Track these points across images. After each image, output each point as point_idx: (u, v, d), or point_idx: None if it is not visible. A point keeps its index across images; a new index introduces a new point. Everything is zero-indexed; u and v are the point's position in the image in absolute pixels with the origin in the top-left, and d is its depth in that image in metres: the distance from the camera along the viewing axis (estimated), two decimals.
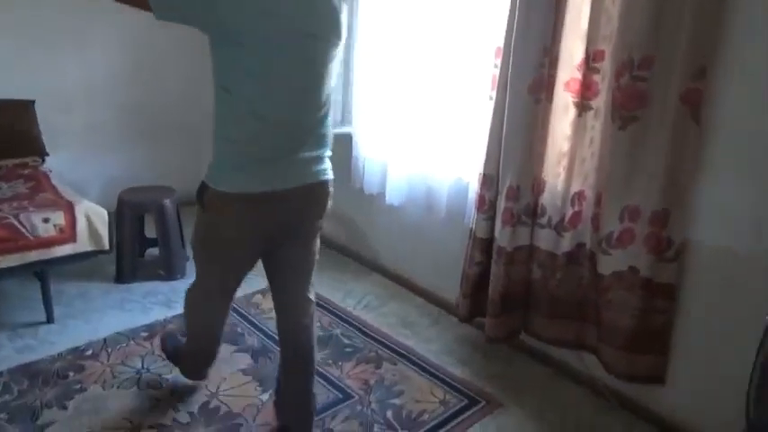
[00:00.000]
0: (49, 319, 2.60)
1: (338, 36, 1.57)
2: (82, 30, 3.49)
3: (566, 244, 2.13)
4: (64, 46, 3.44)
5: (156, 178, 3.72)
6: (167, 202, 3.00)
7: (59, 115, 3.46)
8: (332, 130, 1.71)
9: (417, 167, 2.70)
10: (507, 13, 2.08)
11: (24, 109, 3.22)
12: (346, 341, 2.55)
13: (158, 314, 2.71)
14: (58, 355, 2.36)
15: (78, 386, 2.18)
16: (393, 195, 2.80)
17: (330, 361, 2.40)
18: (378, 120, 2.85)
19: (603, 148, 1.95)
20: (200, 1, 1.38)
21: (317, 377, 1.97)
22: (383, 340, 2.56)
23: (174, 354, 2.23)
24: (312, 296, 1.88)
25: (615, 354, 2.03)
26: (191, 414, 2.06)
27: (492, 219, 2.28)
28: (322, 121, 1.62)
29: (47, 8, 3.30)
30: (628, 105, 1.83)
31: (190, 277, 3.04)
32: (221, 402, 2.12)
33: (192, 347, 2.10)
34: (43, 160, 3.23)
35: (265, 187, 1.54)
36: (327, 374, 2.30)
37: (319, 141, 1.63)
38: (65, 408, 2.06)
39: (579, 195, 2.08)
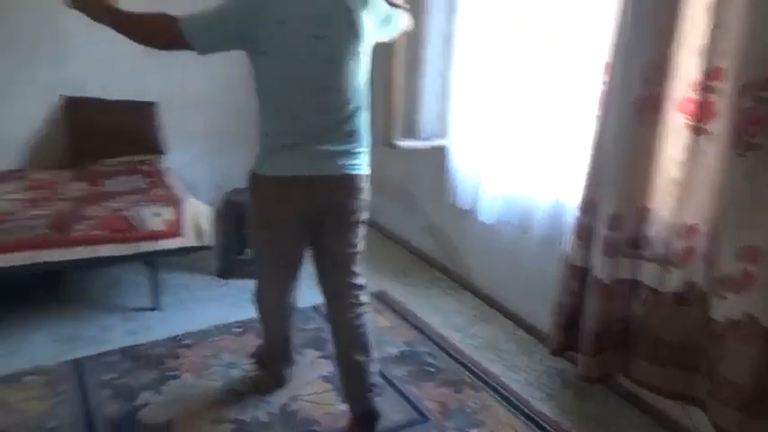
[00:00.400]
0: (155, 307, 2.80)
1: (355, 35, 1.69)
2: None
3: (673, 281, 1.93)
4: (187, 52, 3.70)
5: None
6: None
7: (179, 117, 3.72)
8: (366, 127, 1.84)
9: (513, 186, 2.59)
10: (614, 24, 1.93)
11: (148, 110, 3.50)
12: (428, 360, 2.50)
13: (253, 312, 2.81)
14: (159, 341, 2.52)
15: (173, 373, 2.32)
16: (486, 213, 2.71)
17: (410, 378, 2.35)
18: (474, 133, 2.78)
19: (719, 177, 1.75)
20: (230, 29, 1.65)
21: (394, 391, 2.01)
22: (467, 363, 2.47)
23: (258, 356, 2.33)
24: (358, 281, 1.95)
25: (729, 414, 1.78)
26: (270, 414, 2.11)
27: (590, 247, 2.13)
28: (349, 117, 1.77)
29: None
30: (749, 130, 1.63)
31: None
32: (301, 407, 2.16)
33: (265, 341, 2.24)
34: (161, 158, 3.49)
35: (293, 171, 1.76)
36: (405, 392, 2.26)
37: (347, 137, 1.78)
38: (159, 392, 2.20)
39: (690, 228, 1.88)
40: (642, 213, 2.00)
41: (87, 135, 3.34)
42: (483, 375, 2.39)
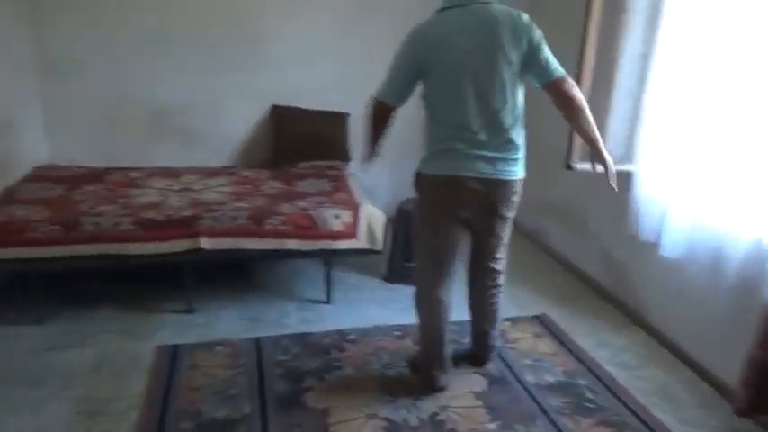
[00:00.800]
0: (328, 300, 3.04)
1: (504, 55, 1.97)
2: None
3: None
4: (377, 68, 3.95)
5: None
6: None
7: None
8: (522, 139, 2.13)
9: (704, 219, 2.33)
10: None
11: (340, 120, 3.82)
12: (589, 395, 2.35)
13: (413, 318, 2.89)
14: (328, 332, 2.73)
15: (337, 364, 2.49)
16: (670, 247, 2.47)
17: (567, 411, 2.24)
18: (665, 160, 2.55)
19: None
20: (411, 76, 2.10)
21: (547, 420, 2.09)
22: (633, 406, 2.28)
23: (413, 362, 2.44)
24: (497, 266, 2.35)
25: None
26: (420, 419, 2.17)
27: None
28: (505, 129, 2.05)
29: (365, 37, 3.84)
30: None
31: None
32: (449, 418, 2.18)
33: (421, 345, 2.37)
34: (347, 164, 3.77)
35: (450, 171, 2.08)
36: (559, 424, 2.16)
37: (505, 145, 2.07)
38: (322, 379, 2.39)
39: None
40: None
41: (287, 139, 3.77)
42: (650, 423, 2.18)
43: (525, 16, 2.01)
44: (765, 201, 2.08)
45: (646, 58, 2.67)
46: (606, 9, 2.57)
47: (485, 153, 2.05)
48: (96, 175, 3.36)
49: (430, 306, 2.28)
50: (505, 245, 2.32)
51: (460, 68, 2.00)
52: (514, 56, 1.99)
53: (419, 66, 2.05)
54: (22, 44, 3.36)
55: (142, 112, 3.69)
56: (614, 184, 2.09)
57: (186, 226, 2.69)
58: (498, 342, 2.54)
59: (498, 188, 2.10)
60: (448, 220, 2.16)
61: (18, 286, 2.86)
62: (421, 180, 2.19)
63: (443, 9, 2.05)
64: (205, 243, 2.68)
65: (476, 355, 2.52)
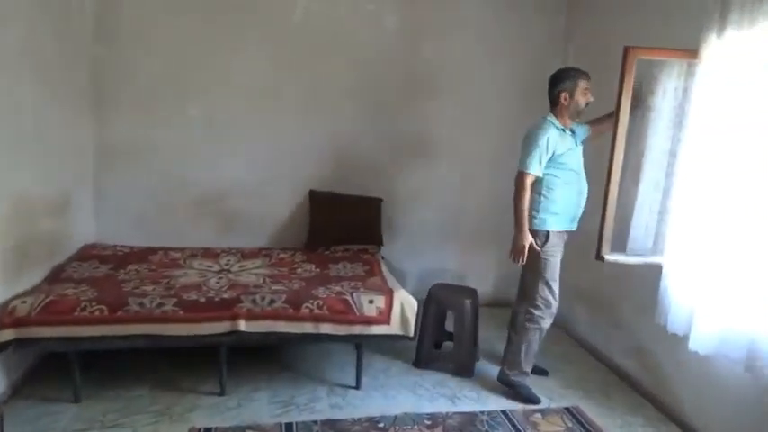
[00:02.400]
0: (358, 385, 3.05)
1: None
2: (426, 143, 4.17)
3: None
4: (414, 156, 4.16)
5: (460, 277, 4.10)
6: (468, 302, 3.25)
7: (399, 212, 4.15)
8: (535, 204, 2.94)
9: (735, 316, 2.34)
10: None
11: (375, 205, 3.98)
12: None
13: (442, 406, 2.91)
14: (358, 419, 2.73)
15: None
16: (699, 342, 2.46)
17: None
18: (693, 254, 2.59)
19: None
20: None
21: None
22: None
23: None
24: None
25: None
26: None
27: None
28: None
29: (400, 127, 4.07)
30: None
31: (476, 378, 3.22)
32: None
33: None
34: (379, 248, 3.88)
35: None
36: None
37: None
38: None
39: None
40: None
41: (322, 223, 3.91)
42: None
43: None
44: None
45: (674, 154, 2.79)
46: (634, 106, 2.73)
47: None
48: (140, 255, 3.51)
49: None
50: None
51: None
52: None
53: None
54: (84, 131, 3.63)
55: (188, 195, 3.90)
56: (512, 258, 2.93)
57: (226, 308, 2.78)
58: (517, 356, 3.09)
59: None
60: None
61: (56, 364, 2.93)
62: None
63: None
64: (243, 325, 2.76)
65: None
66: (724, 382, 2.53)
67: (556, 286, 3.00)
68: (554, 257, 2.95)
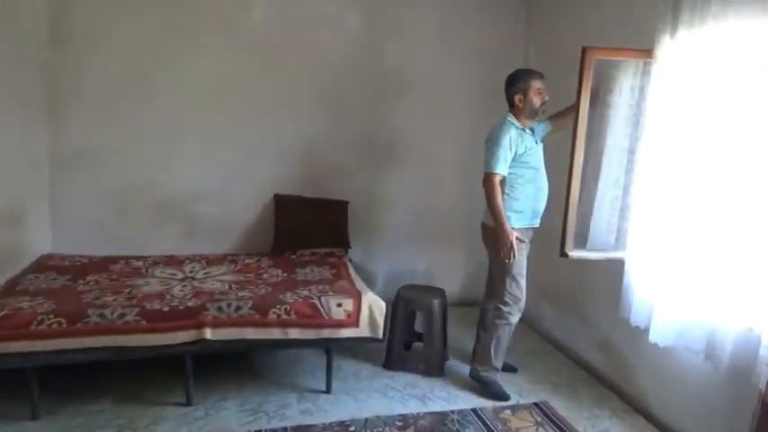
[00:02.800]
0: (328, 390, 3.03)
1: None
2: (392, 144, 4.17)
3: None
4: (381, 158, 4.15)
5: (428, 278, 4.11)
6: (436, 303, 3.27)
7: (365, 215, 4.13)
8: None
9: (695, 308, 2.40)
10: None
11: (341, 208, 3.96)
12: None
13: (414, 407, 2.91)
14: (329, 424, 2.71)
15: None
16: (660, 334, 2.52)
17: None
18: (653, 248, 2.66)
19: None
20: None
21: None
22: None
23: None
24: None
25: None
26: None
27: None
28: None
29: (365, 128, 4.07)
30: None
31: (447, 378, 3.23)
32: None
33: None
34: (346, 251, 3.86)
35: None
36: None
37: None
38: None
39: None
40: None
41: (288, 227, 3.87)
42: None
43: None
44: (754, 289, 2.18)
45: (632, 151, 2.86)
46: (593, 104, 2.78)
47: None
48: (100, 264, 3.41)
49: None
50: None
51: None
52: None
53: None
54: (38, 137, 3.50)
55: (148, 200, 3.80)
56: (504, 257, 2.92)
57: (191, 317, 2.72)
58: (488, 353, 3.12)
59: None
60: None
61: (12, 380, 2.81)
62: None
63: None
64: (209, 334, 2.70)
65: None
66: (685, 373, 2.61)
67: (523, 282, 3.04)
68: (520, 254, 2.98)
